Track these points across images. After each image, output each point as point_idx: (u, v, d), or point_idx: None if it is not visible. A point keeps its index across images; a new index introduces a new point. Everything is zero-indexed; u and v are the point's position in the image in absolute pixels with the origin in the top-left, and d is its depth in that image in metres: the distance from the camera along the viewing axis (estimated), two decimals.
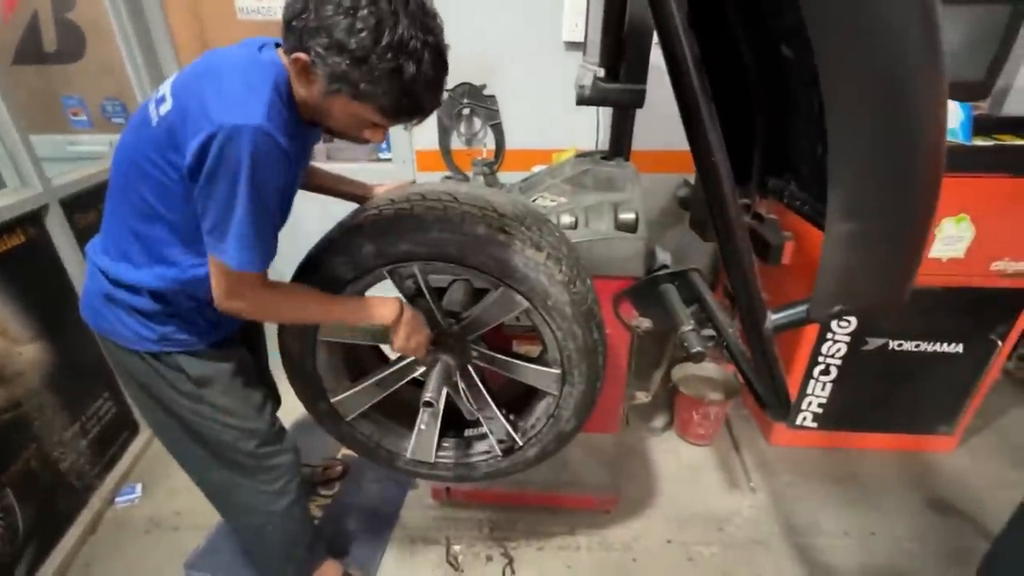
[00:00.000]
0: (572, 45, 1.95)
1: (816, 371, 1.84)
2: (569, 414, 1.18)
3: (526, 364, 1.18)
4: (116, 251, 0.99)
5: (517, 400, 1.31)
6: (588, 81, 1.31)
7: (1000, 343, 1.72)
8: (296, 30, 0.79)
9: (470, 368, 1.19)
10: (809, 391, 1.89)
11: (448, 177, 1.74)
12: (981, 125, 1.61)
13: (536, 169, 1.67)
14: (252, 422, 1.15)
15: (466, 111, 2.06)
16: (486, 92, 2.03)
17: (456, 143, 2.15)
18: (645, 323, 1.30)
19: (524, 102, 2.03)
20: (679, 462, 1.97)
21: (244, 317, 0.97)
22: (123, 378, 1.12)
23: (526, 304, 1.04)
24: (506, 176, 1.67)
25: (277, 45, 0.89)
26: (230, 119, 0.78)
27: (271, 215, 0.88)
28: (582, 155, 1.63)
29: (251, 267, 0.88)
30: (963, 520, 1.73)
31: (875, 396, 1.87)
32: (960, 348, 1.75)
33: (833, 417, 1.94)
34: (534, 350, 1.33)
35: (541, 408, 1.23)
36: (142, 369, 1.06)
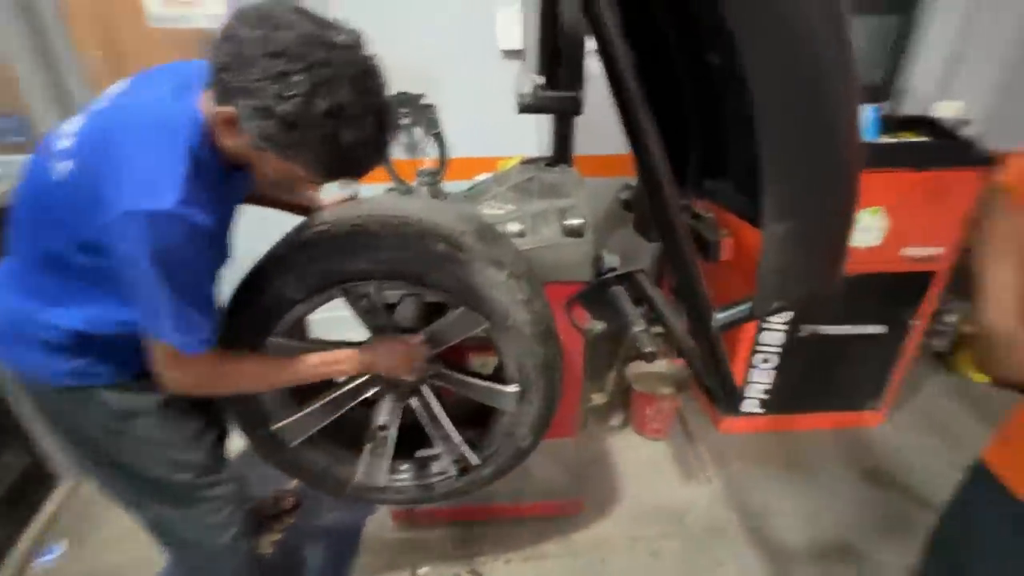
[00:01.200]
0: (510, 54, 1.96)
1: (758, 359, 1.94)
2: (526, 431, 1.17)
3: (485, 383, 1.16)
4: (22, 286, 0.89)
5: (471, 416, 1.29)
6: (529, 89, 1.32)
7: (914, 322, 1.88)
8: (223, 82, 0.72)
9: (424, 388, 1.15)
10: (753, 379, 1.99)
11: (392, 189, 1.70)
12: (886, 124, 1.77)
13: (480, 178, 1.66)
14: (186, 453, 1.06)
15: (405, 121, 2.02)
16: (424, 102, 2.00)
17: (397, 153, 2.10)
18: (598, 326, 1.32)
19: (465, 111, 2.01)
20: (638, 458, 2.01)
21: (194, 394, 0.91)
22: (36, 414, 1.00)
23: (486, 323, 1.02)
24: (450, 185, 1.65)
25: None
26: (140, 204, 0.72)
27: (202, 290, 0.83)
28: (527, 162, 1.63)
29: (195, 348, 0.83)
30: (897, 489, 1.87)
31: (812, 378, 2.00)
32: (882, 328, 1.90)
33: (776, 402, 2.05)
34: (490, 361, 1.31)
35: (497, 426, 1.21)
36: (54, 403, 0.96)
